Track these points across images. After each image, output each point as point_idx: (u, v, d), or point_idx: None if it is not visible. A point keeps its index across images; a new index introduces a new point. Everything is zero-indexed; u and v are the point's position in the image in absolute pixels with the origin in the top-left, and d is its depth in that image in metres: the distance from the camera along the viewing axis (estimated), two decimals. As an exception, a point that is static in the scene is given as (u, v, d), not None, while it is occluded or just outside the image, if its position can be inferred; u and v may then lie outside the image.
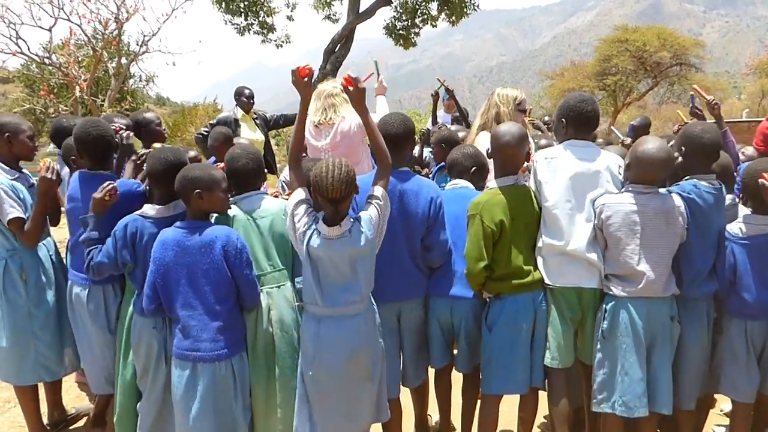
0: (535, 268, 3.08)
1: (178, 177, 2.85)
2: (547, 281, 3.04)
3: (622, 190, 3.00)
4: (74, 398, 4.46)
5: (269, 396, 2.99)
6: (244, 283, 2.87)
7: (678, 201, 2.95)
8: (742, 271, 3.05)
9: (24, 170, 3.70)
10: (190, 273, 2.80)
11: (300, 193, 2.78)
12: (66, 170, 3.76)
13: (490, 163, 3.31)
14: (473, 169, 3.41)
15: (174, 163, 2.96)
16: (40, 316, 3.55)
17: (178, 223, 2.87)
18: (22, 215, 3.42)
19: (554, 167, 3.05)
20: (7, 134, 3.50)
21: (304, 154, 4.61)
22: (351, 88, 2.82)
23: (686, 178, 3.08)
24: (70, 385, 4.57)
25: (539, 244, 3.07)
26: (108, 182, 3.06)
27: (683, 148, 3.07)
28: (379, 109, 4.45)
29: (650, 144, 2.91)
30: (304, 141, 2.85)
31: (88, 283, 3.27)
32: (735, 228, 3.11)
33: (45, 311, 3.57)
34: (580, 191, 3.01)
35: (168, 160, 2.98)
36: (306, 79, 2.82)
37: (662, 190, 3.02)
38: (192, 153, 4.44)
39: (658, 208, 2.90)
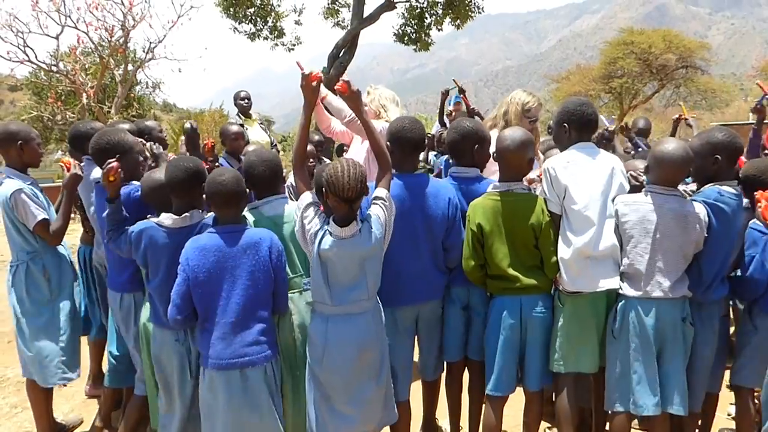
0: (533, 273, 3.06)
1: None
2: (572, 289, 3.01)
3: (644, 190, 3.01)
4: (81, 403, 4.48)
5: (294, 400, 3.01)
6: (281, 285, 2.89)
7: (699, 209, 2.94)
8: None
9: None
10: (234, 277, 2.77)
11: (308, 196, 2.81)
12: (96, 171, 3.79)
13: (495, 165, 3.32)
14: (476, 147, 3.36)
15: (193, 171, 2.96)
16: (64, 312, 3.65)
17: (213, 229, 2.84)
18: (47, 216, 3.52)
19: (574, 171, 3.03)
20: (20, 142, 3.58)
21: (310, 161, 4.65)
22: (346, 93, 2.89)
23: (712, 184, 3.07)
24: (76, 390, 4.60)
25: (565, 252, 3.01)
26: (108, 162, 3.06)
27: (718, 156, 3.01)
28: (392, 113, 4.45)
29: (670, 144, 2.92)
30: (308, 145, 2.88)
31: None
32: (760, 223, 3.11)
33: (68, 307, 3.68)
34: (605, 190, 3.02)
35: (189, 169, 2.97)
36: (315, 84, 2.87)
37: (684, 190, 3.03)
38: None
39: (676, 211, 2.90)
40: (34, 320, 3.56)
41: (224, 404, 2.75)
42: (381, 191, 2.84)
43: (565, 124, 3.16)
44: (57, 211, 3.65)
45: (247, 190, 3.08)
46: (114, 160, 3.08)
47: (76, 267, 4.02)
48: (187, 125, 4.38)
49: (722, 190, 3.02)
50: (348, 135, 4.65)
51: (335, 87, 3.04)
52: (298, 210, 2.80)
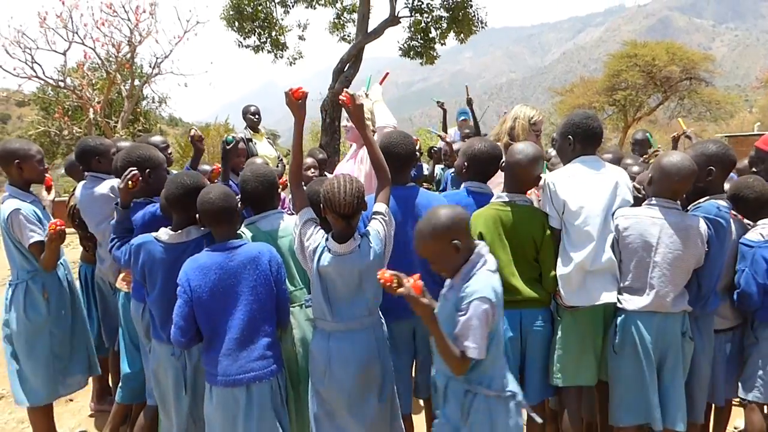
0: (533, 286, 3.06)
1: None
2: (570, 303, 3.00)
3: (645, 203, 3.01)
4: (86, 419, 4.48)
5: (297, 414, 3.02)
6: (282, 298, 2.90)
7: (702, 224, 2.94)
8: None
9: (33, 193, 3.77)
10: (236, 294, 2.77)
11: (306, 213, 2.81)
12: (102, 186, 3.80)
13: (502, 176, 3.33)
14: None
15: (191, 188, 2.96)
16: (59, 335, 3.65)
17: (213, 247, 2.83)
18: (43, 239, 3.50)
19: (575, 185, 3.03)
20: (17, 160, 3.57)
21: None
22: (350, 105, 2.90)
23: (707, 198, 3.09)
24: (82, 405, 4.61)
25: (564, 267, 3.00)
26: (130, 169, 3.12)
27: (712, 168, 3.05)
28: (379, 116, 4.41)
29: (675, 157, 2.92)
30: (302, 161, 2.89)
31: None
32: (755, 236, 3.17)
33: (64, 329, 3.69)
34: (607, 205, 3.01)
35: (187, 185, 2.98)
36: (300, 101, 2.87)
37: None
38: (206, 167, 4.48)
39: (677, 225, 2.90)
40: (29, 341, 3.56)
41: (231, 421, 2.75)
42: (380, 206, 2.83)
43: (570, 137, 3.16)
44: None
45: (242, 206, 3.12)
46: (135, 169, 3.12)
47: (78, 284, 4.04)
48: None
49: (720, 205, 3.04)
50: None
51: (339, 99, 3.06)
52: (297, 227, 2.79)
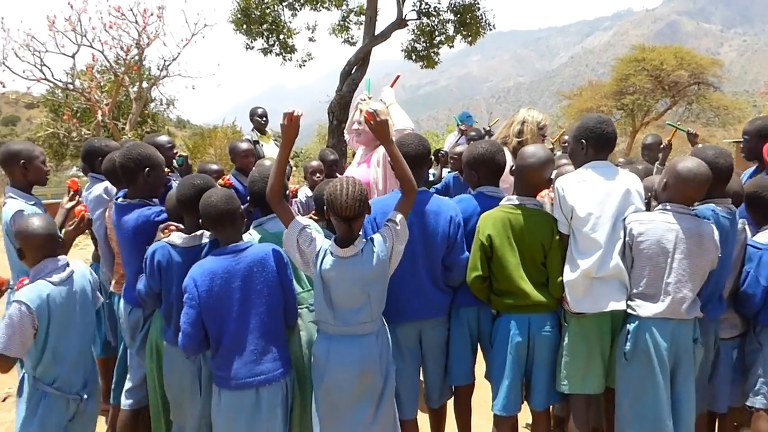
0: (541, 290, 3.05)
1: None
2: (577, 310, 2.98)
3: (659, 208, 2.98)
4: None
5: (302, 415, 3.01)
6: (290, 299, 2.89)
7: (713, 228, 2.93)
8: None
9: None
10: (244, 297, 2.76)
11: (296, 224, 2.78)
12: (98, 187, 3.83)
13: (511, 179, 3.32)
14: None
15: (204, 188, 2.96)
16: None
17: (219, 251, 2.83)
18: None
19: (585, 191, 3.00)
20: (22, 161, 3.57)
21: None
22: (372, 122, 2.83)
23: (705, 202, 3.08)
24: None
25: (571, 273, 2.99)
26: (168, 224, 3.11)
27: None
28: (396, 119, 4.37)
29: (690, 162, 2.89)
30: (284, 180, 2.86)
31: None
32: (764, 238, 3.16)
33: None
34: (617, 212, 2.97)
35: (198, 186, 2.97)
36: (296, 123, 2.82)
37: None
38: (214, 166, 4.49)
39: (692, 230, 2.87)
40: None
41: (239, 423, 2.74)
42: (396, 215, 2.80)
43: (583, 141, 3.12)
44: (61, 229, 3.65)
45: (251, 206, 3.14)
46: (174, 225, 3.09)
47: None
48: (179, 159, 4.27)
49: (716, 209, 3.02)
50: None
51: (361, 117, 3.03)
52: (290, 237, 2.76)
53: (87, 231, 3.93)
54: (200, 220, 2.89)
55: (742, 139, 4.04)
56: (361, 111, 2.91)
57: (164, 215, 3.23)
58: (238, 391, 2.74)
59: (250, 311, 2.77)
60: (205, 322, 2.76)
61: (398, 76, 4.75)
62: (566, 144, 5.81)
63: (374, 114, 2.82)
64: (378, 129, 2.84)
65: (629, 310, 2.96)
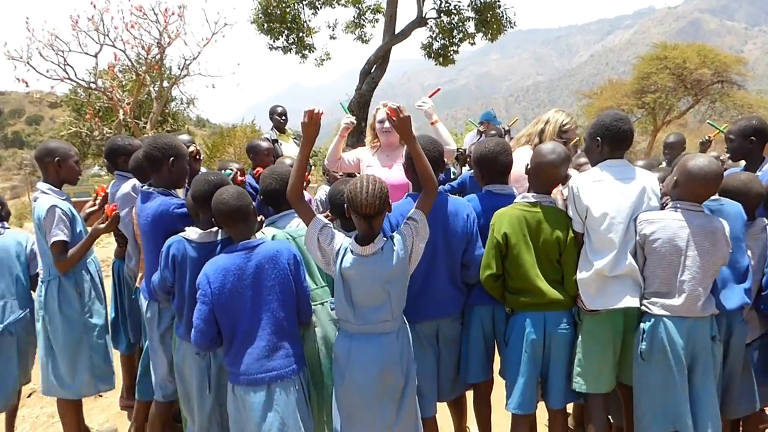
0: (556, 288, 3.04)
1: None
2: (590, 307, 2.98)
3: (669, 206, 2.96)
4: (115, 414, 4.55)
5: (319, 413, 3.03)
6: (303, 296, 2.89)
7: (724, 224, 2.90)
8: None
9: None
10: (256, 293, 2.78)
11: (317, 222, 2.78)
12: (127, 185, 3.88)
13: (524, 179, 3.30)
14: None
15: (219, 184, 2.98)
16: (95, 328, 3.72)
17: (231, 248, 2.85)
18: (67, 239, 3.55)
19: (599, 190, 2.99)
20: (57, 159, 3.66)
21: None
22: (395, 118, 2.82)
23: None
24: (111, 401, 4.67)
25: (585, 272, 2.99)
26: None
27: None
28: (446, 137, 4.33)
29: (701, 160, 2.87)
30: (304, 178, 2.86)
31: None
32: None
33: (100, 322, 3.76)
34: (632, 213, 2.96)
35: (212, 182, 3.00)
36: (317, 121, 2.85)
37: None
38: (235, 165, 4.52)
39: (704, 227, 2.86)
40: (66, 335, 3.63)
41: (253, 420, 2.75)
42: (416, 213, 2.79)
43: (598, 138, 3.11)
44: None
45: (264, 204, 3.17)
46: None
47: (109, 281, 4.10)
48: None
49: (713, 207, 3.03)
50: (353, 167, 4.65)
51: (385, 111, 3.01)
52: (311, 236, 2.77)
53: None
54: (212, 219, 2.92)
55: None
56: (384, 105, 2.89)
57: (185, 208, 3.27)
58: (250, 387, 2.75)
59: (262, 308, 2.78)
60: (218, 318, 2.78)
61: (438, 89, 4.69)
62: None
63: (398, 110, 2.81)
64: (401, 125, 2.82)
65: (644, 308, 2.95)
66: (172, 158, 3.32)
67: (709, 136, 5.13)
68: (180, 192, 3.52)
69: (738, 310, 3.05)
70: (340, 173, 4.96)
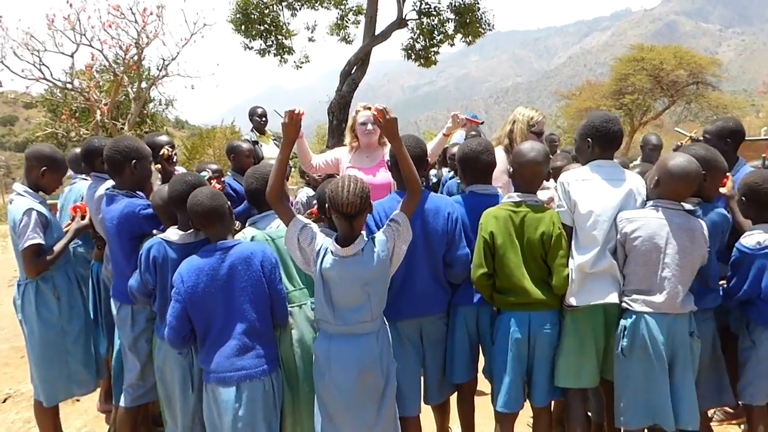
0: (543, 288, 3.06)
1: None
2: (570, 303, 3.02)
3: (650, 205, 2.99)
4: (93, 418, 4.49)
5: (294, 415, 3.01)
6: (277, 299, 2.89)
7: (702, 223, 2.95)
8: None
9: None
10: (228, 294, 2.79)
11: (297, 222, 2.79)
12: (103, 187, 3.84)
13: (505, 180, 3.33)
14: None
15: (196, 184, 2.99)
16: (72, 332, 3.69)
17: (206, 248, 2.86)
18: (42, 242, 3.50)
19: (587, 189, 3.04)
20: (44, 168, 3.62)
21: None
22: (381, 120, 2.83)
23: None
24: (89, 406, 4.61)
25: (570, 267, 3.04)
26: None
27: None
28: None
29: (680, 158, 2.92)
30: (284, 180, 2.86)
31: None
32: (751, 241, 3.14)
33: (78, 326, 3.72)
34: (616, 211, 3.01)
35: (190, 182, 3.00)
36: (298, 122, 2.86)
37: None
38: (214, 166, 4.49)
39: (683, 226, 2.90)
40: (43, 339, 3.58)
41: (223, 418, 2.77)
42: (399, 215, 2.80)
43: (589, 139, 3.16)
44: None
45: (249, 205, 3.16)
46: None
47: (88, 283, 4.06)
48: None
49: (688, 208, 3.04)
50: (332, 168, 4.66)
51: (372, 111, 3.01)
52: (290, 236, 2.77)
53: (90, 230, 3.95)
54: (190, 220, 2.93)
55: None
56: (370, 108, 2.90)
57: (150, 210, 3.27)
58: (219, 385, 2.78)
59: (234, 308, 2.80)
60: (192, 317, 2.81)
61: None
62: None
63: (384, 111, 2.82)
64: (388, 127, 2.83)
65: (624, 305, 3.00)
66: (134, 160, 3.32)
67: (680, 143, 5.21)
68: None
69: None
70: (319, 175, 4.96)
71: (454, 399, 3.53)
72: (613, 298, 2.98)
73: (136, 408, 3.45)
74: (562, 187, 3.10)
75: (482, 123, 7.63)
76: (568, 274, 3.02)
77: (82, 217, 3.70)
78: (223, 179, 4.58)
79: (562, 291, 3.06)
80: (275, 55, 15.91)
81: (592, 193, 3.02)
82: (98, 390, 4.31)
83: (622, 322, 2.98)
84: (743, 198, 3.23)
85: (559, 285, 3.05)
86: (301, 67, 16.55)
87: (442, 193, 5.13)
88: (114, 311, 3.46)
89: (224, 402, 2.76)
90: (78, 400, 4.48)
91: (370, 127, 4.30)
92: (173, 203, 3.04)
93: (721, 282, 3.28)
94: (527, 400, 3.23)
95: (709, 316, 3.20)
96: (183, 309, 2.78)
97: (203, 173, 4.10)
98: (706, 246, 2.95)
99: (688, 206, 2.98)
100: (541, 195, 3.30)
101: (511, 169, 3.22)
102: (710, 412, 3.55)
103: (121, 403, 3.44)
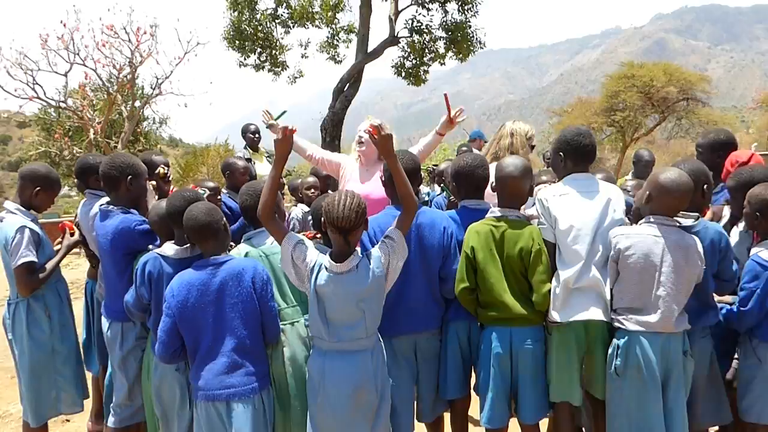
0: (524, 303, 3.04)
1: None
2: (556, 319, 2.99)
3: (644, 221, 2.97)
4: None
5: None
6: (268, 316, 2.87)
7: (697, 240, 2.92)
8: None
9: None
10: (218, 310, 2.77)
11: (292, 237, 2.78)
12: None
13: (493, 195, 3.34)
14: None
15: (193, 200, 2.99)
16: (63, 352, 3.66)
17: (198, 263, 2.85)
18: (35, 260, 3.48)
19: (566, 203, 3.04)
20: (38, 188, 3.62)
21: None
22: (377, 136, 2.81)
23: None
24: (79, 425, 4.56)
25: (554, 282, 3.02)
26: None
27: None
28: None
29: (672, 173, 2.90)
30: (276, 196, 2.85)
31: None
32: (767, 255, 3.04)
33: (68, 347, 3.69)
34: (597, 224, 3.00)
35: (188, 198, 3.01)
36: (290, 138, 2.85)
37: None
38: (211, 183, 4.49)
39: (678, 243, 2.87)
40: (33, 358, 3.55)
41: None
42: (394, 232, 2.79)
43: (561, 153, 3.18)
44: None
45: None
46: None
47: (80, 302, 4.03)
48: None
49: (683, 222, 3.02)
50: (328, 167, 4.67)
51: (365, 130, 3.02)
52: (284, 253, 2.76)
53: (82, 248, 3.94)
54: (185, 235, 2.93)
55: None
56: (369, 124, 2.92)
57: (146, 225, 3.26)
58: (209, 403, 2.75)
59: (224, 324, 2.78)
60: (182, 332, 2.79)
61: (446, 96, 4.76)
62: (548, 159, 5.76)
63: (379, 128, 2.82)
64: (382, 143, 2.81)
65: (617, 324, 2.96)
66: (129, 176, 3.33)
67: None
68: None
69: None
70: (312, 192, 4.95)
71: (446, 415, 3.49)
72: (596, 314, 2.95)
73: (123, 428, 3.40)
74: (541, 204, 3.09)
75: (486, 142, 7.66)
76: (548, 290, 3.00)
77: (71, 234, 3.68)
78: (219, 197, 4.57)
79: (543, 307, 3.03)
80: (269, 70, 15.99)
81: (571, 207, 3.02)
82: (88, 410, 4.27)
83: (615, 341, 2.94)
84: (757, 213, 3.08)
85: (539, 302, 3.02)
86: (294, 82, 16.61)
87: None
88: (105, 328, 3.44)
89: (213, 420, 2.74)
90: (68, 420, 4.42)
91: (363, 139, 4.29)
92: (170, 218, 3.04)
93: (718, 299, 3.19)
94: (514, 417, 3.20)
95: (707, 333, 3.13)
96: (173, 323, 2.77)
97: (200, 191, 4.09)
98: (702, 264, 2.90)
99: (686, 222, 2.96)
100: (531, 210, 3.30)
101: (494, 183, 3.23)
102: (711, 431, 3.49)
103: (109, 423, 3.41)
